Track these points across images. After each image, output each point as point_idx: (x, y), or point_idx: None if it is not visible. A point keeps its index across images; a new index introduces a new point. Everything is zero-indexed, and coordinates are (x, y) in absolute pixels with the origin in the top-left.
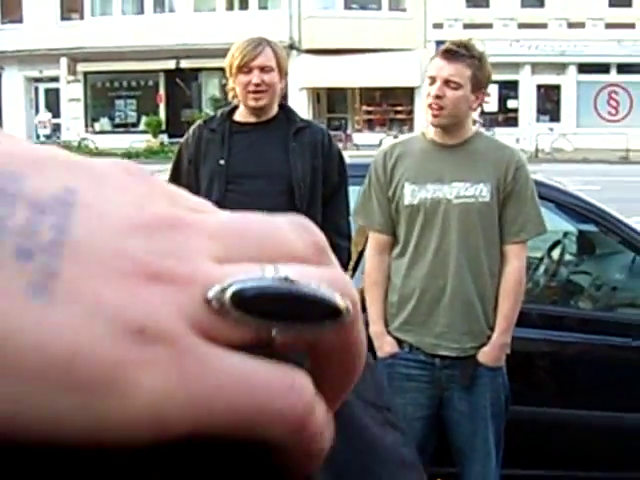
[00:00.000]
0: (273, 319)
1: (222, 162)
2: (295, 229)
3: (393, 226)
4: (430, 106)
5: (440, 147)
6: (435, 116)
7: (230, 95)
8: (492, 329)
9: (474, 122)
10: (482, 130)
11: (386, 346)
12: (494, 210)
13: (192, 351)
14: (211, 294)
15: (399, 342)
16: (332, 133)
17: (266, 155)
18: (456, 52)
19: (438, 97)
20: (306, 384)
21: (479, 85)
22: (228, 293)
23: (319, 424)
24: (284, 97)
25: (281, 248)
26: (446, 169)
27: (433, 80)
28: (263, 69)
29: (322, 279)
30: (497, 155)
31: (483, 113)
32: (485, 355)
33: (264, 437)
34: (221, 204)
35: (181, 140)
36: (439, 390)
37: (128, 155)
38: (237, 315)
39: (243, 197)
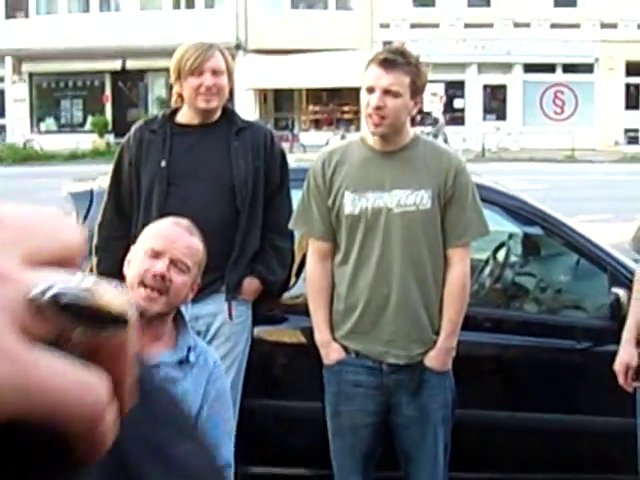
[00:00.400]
0: (76, 321)
1: (163, 164)
2: (70, 223)
3: (334, 233)
4: (370, 116)
5: (379, 154)
6: (376, 125)
7: (174, 99)
8: (438, 334)
9: (436, 120)
10: (423, 134)
11: (333, 353)
12: (436, 217)
13: (15, 347)
14: (33, 294)
15: (345, 349)
16: (279, 133)
17: (208, 156)
18: (393, 60)
19: (379, 108)
20: (103, 387)
21: (417, 91)
22: (48, 295)
23: (110, 422)
24: (230, 97)
25: (70, 249)
26: (386, 176)
27: (371, 90)
28: (215, 72)
29: (111, 291)
30: (436, 161)
31: (446, 111)
32: (432, 360)
33: (63, 427)
34: (162, 206)
35: (123, 139)
36: (387, 396)
37: (74, 155)
38: (51, 315)
39: (185, 199)
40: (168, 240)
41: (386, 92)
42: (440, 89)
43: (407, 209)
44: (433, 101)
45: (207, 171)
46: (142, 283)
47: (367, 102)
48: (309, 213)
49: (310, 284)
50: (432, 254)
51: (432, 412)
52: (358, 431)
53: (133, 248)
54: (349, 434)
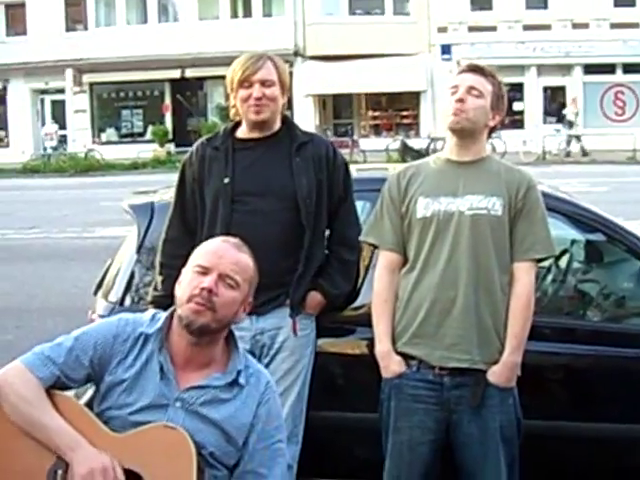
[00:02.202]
0: None
1: (227, 180)
2: None
3: (404, 245)
4: (451, 111)
5: (455, 164)
6: (456, 115)
7: (232, 113)
8: (503, 345)
9: (571, 123)
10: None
11: (393, 365)
12: (505, 225)
13: None
14: None
15: (406, 360)
16: (339, 139)
17: (270, 172)
18: (482, 68)
19: (461, 100)
20: None
21: (498, 104)
22: None
23: None
24: (289, 104)
25: None
26: (460, 183)
27: (456, 89)
28: (264, 83)
29: None
30: (509, 175)
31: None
32: (495, 375)
33: None
34: (227, 223)
35: (185, 156)
36: (447, 413)
37: (135, 165)
38: None
39: (249, 215)
40: (215, 255)
41: (469, 90)
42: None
43: (478, 212)
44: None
45: (270, 187)
46: (190, 299)
47: (450, 101)
48: (381, 225)
49: (376, 295)
50: (499, 261)
51: (494, 430)
52: (416, 448)
53: (184, 270)
54: (407, 450)
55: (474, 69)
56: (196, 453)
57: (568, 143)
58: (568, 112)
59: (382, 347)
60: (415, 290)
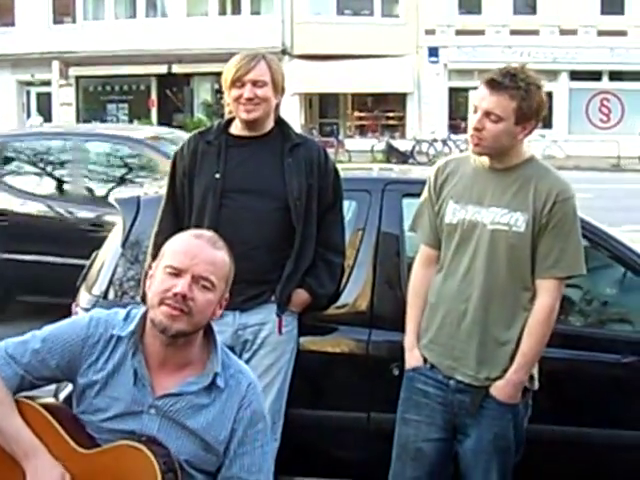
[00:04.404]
0: None
1: (217, 176)
2: None
3: (440, 241)
4: (471, 136)
5: (489, 170)
6: (475, 145)
7: (227, 110)
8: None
9: None
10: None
11: (411, 359)
12: (527, 241)
13: None
14: None
15: (425, 359)
16: (324, 139)
17: (261, 171)
18: (500, 83)
19: (477, 129)
20: None
21: (525, 116)
22: None
23: None
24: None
25: None
26: (488, 192)
27: (475, 110)
28: (255, 83)
29: None
30: (542, 184)
31: None
32: (497, 389)
33: None
34: (215, 218)
35: (176, 148)
36: (452, 415)
37: None
38: None
39: (238, 212)
40: (188, 256)
41: (487, 114)
42: None
43: (499, 227)
44: None
45: (261, 186)
46: (163, 302)
47: (471, 120)
48: (423, 219)
49: (410, 287)
50: (517, 277)
51: (487, 442)
52: (422, 444)
53: (154, 263)
54: (412, 445)
55: (493, 85)
56: (161, 474)
57: None
58: None
59: (407, 341)
60: (437, 295)
